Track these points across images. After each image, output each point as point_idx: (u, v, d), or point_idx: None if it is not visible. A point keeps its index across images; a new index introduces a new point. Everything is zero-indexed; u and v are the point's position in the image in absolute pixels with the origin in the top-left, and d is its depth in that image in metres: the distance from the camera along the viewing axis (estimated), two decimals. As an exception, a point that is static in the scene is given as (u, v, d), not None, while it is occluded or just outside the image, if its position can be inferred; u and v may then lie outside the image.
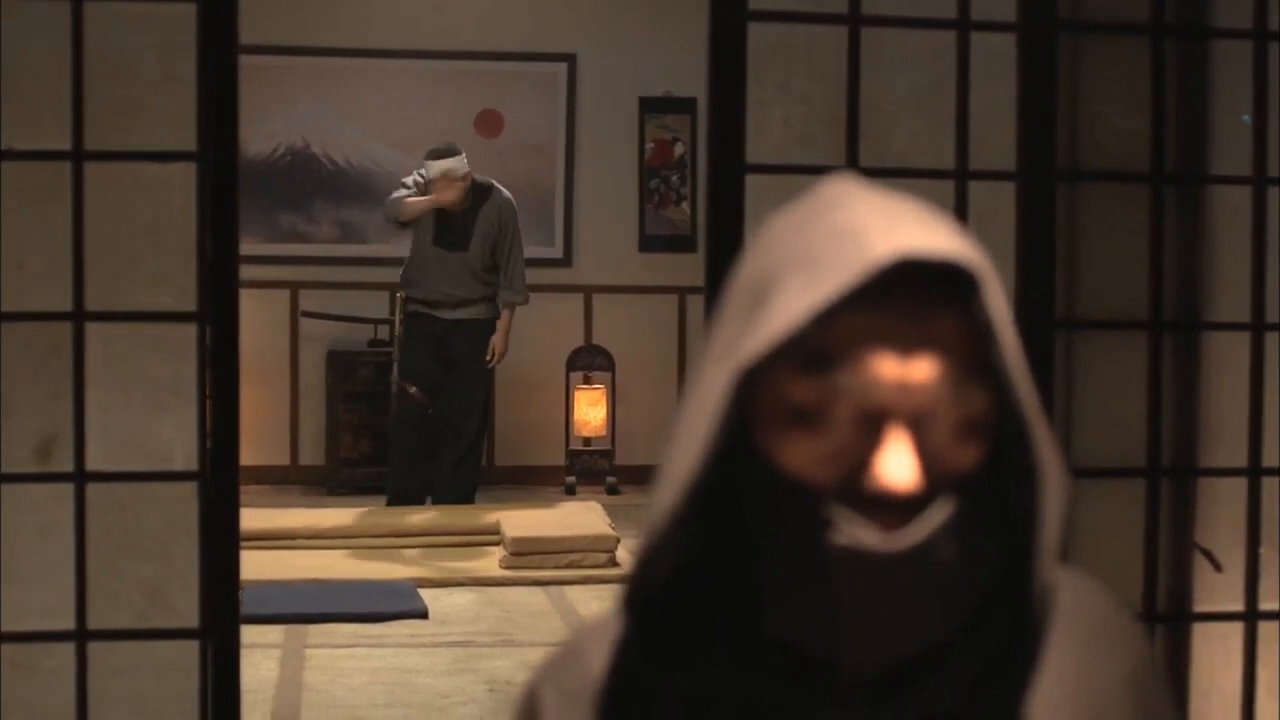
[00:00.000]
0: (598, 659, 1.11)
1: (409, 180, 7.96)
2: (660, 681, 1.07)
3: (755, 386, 1.01)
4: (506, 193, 8.11)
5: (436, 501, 7.99)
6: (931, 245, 0.98)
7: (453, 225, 8.01)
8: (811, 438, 1.00)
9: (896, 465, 0.97)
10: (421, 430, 8.06)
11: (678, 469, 1.01)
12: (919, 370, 0.98)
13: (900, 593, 0.99)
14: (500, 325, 8.10)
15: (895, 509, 0.98)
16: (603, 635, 1.12)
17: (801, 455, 1.00)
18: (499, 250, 8.06)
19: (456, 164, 7.92)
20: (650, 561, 1.04)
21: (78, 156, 2.86)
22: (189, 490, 2.91)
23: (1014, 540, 1.04)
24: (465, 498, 8.02)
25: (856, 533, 0.98)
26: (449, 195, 7.85)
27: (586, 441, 8.97)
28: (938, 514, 0.99)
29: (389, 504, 7.98)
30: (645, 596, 1.06)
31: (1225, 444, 3.19)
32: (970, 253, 1.00)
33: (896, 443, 0.98)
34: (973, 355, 0.99)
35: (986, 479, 1.02)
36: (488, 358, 8.06)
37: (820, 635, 1.01)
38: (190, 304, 2.89)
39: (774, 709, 1.05)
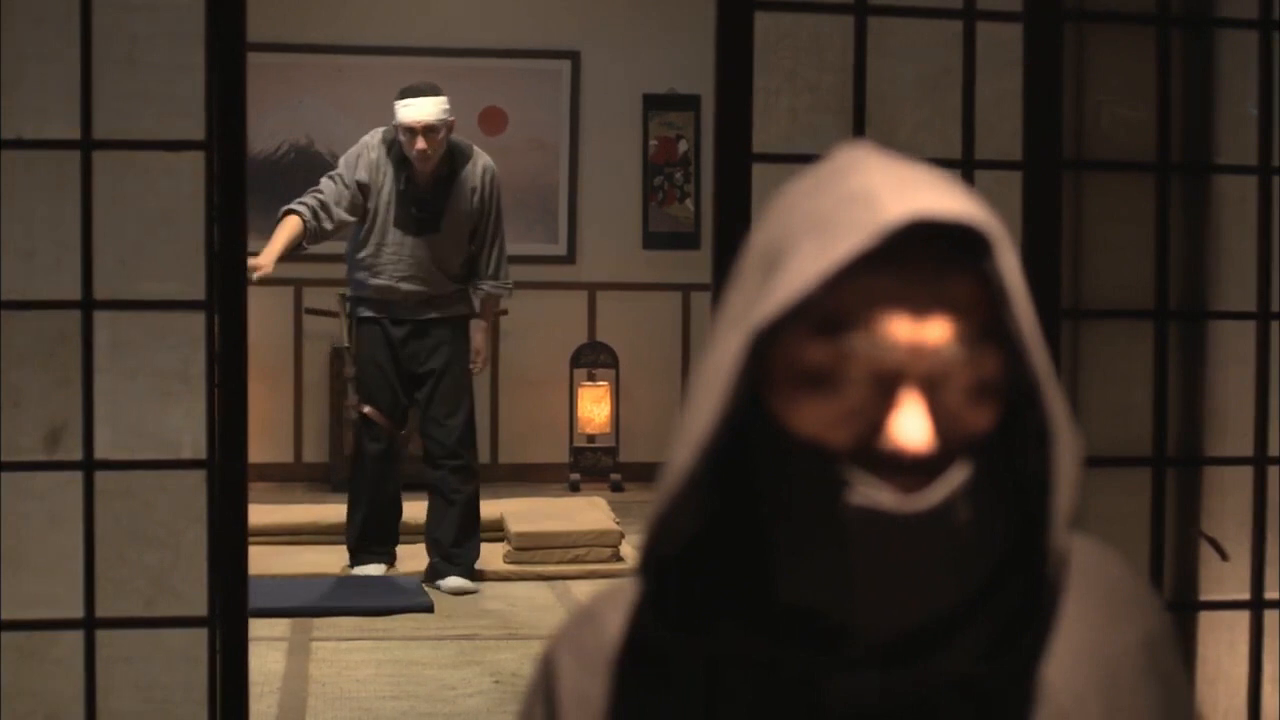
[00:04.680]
0: (614, 623, 1.12)
1: (340, 168, 6.26)
2: (675, 646, 1.08)
3: (769, 350, 1.02)
4: (488, 158, 6.36)
5: (433, 570, 6.55)
6: (944, 207, 0.98)
7: (419, 199, 6.18)
8: (825, 400, 1.00)
9: (910, 426, 0.97)
10: (385, 468, 6.44)
11: (693, 433, 1.01)
12: (932, 332, 0.99)
13: (916, 556, 0.99)
14: (480, 323, 6.48)
15: (909, 470, 0.98)
16: (620, 599, 1.13)
17: (815, 418, 1.00)
18: (479, 231, 6.30)
19: (431, 107, 6.09)
20: (665, 525, 1.04)
21: (86, 145, 2.86)
22: (197, 478, 2.92)
23: (1027, 506, 1.04)
24: (469, 570, 6.54)
25: (873, 494, 0.98)
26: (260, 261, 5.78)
27: (590, 439, 8.97)
28: (956, 476, 0.99)
29: (352, 564, 6.56)
30: (660, 560, 1.07)
31: (1230, 433, 3.20)
32: (983, 215, 1.00)
33: (910, 403, 0.98)
34: (986, 317, 1.00)
35: (999, 443, 1.02)
36: (470, 365, 6.46)
37: (835, 599, 1.01)
38: (198, 292, 2.89)
39: (788, 674, 1.05)
